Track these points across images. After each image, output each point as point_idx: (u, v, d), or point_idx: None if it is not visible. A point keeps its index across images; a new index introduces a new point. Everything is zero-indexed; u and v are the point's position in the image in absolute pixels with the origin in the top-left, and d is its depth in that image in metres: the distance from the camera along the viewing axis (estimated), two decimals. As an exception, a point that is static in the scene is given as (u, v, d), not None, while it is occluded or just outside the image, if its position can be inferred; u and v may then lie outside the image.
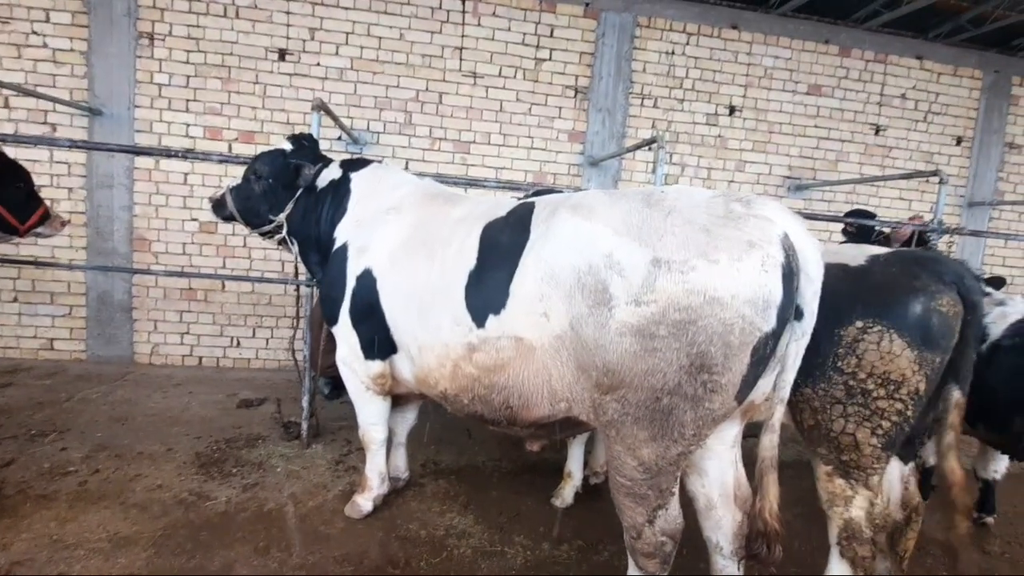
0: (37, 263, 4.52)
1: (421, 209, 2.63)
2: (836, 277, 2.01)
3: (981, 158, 6.72)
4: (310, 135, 3.24)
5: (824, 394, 2.04)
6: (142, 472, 3.27)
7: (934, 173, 4.42)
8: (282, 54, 5.30)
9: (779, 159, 6.35)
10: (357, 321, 2.67)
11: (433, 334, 2.28)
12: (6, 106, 5.05)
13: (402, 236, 2.55)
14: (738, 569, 2.07)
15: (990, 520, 3.36)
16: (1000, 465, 3.30)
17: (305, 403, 3.78)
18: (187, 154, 3.82)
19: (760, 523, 1.80)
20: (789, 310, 1.68)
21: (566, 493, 3.27)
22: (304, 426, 3.80)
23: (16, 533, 2.61)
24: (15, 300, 5.24)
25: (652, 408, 1.71)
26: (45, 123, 5.08)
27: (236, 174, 5.30)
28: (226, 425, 4.06)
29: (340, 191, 2.91)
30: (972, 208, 6.77)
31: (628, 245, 1.72)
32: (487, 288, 2.07)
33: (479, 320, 2.09)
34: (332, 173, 2.99)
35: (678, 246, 1.65)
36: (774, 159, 6.34)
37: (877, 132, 6.52)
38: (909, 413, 1.97)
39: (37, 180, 4.99)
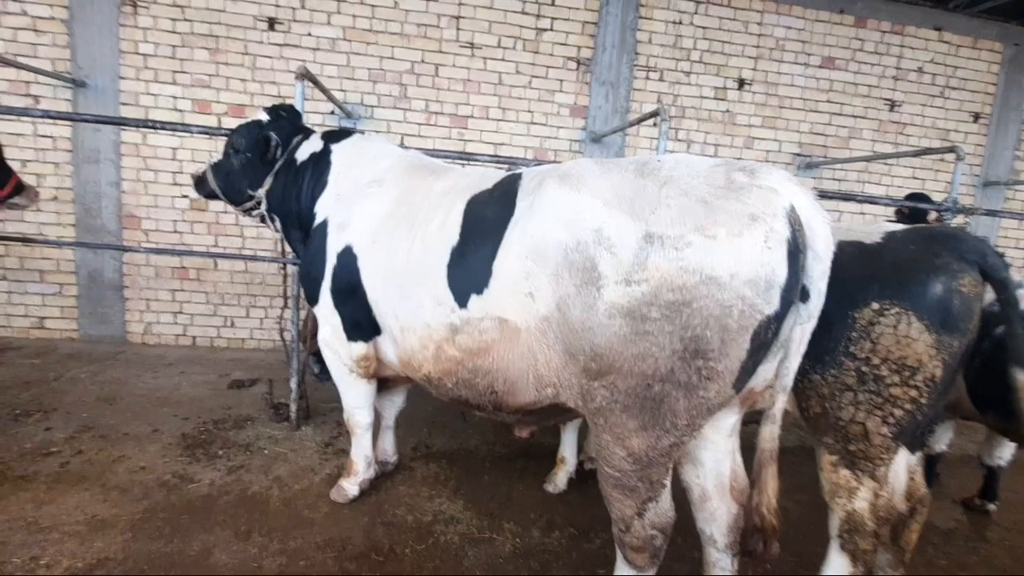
0: (25, 240, 4.45)
1: (404, 182, 2.49)
2: (850, 255, 1.86)
3: (998, 135, 6.46)
4: (290, 106, 3.08)
5: (834, 380, 1.91)
6: (126, 453, 3.20)
7: (951, 150, 4.21)
8: (271, 23, 5.09)
9: (789, 135, 6.12)
10: (339, 301, 2.55)
11: (415, 315, 2.17)
12: (-12, 77, 4.90)
13: (384, 210, 2.41)
14: (732, 564, 1.97)
15: (992, 507, 3.27)
16: (1006, 452, 3.19)
17: (294, 384, 3.69)
18: (163, 125, 3.64)
19: (757, 518, 1.69)
20: (794, 291, 1.54)
21: (559, 479, 3.18)
22: (293, 408, 3.71)
23: (-8, 515, 2.55)
24: (3, 278, 5.15)
25: (643, 396, 1.59)
26: (27, 95, 4.92)
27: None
28: (215, 406, 3.98)
29: (320, 164, 2.76)
30: (987, 188, 6.53)
31: (618, 219, 1.57)
32: (470, 266, 1.94)
33: (461, 300, 1.96)
34: (313, 145, 2.84)
35: (672, 220, 1.51)
36: (784, 135, 6.11)
37: (892, 108, 6.27)
38: (923, 401, 1.84)
39: (20, 154, 4.93)
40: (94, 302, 5.25)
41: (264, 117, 2.91)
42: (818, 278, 1.56)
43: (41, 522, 2.52)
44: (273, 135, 2.77)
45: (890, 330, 1.84)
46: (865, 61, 6.13)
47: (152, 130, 4.96)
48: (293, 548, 2.50)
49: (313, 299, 2.65)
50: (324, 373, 4.68)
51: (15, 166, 3.13)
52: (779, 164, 6.13)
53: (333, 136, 2.86)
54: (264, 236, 5.41)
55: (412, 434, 3.70)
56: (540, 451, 3.63)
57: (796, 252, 1.50)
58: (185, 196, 5.24)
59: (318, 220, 2.65)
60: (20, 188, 3.10)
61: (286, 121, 2.93)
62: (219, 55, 5.07)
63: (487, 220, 1.95)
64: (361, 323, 2.53)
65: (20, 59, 4.49)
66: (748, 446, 2.02)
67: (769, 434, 1.69)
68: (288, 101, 5.18)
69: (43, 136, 4.98)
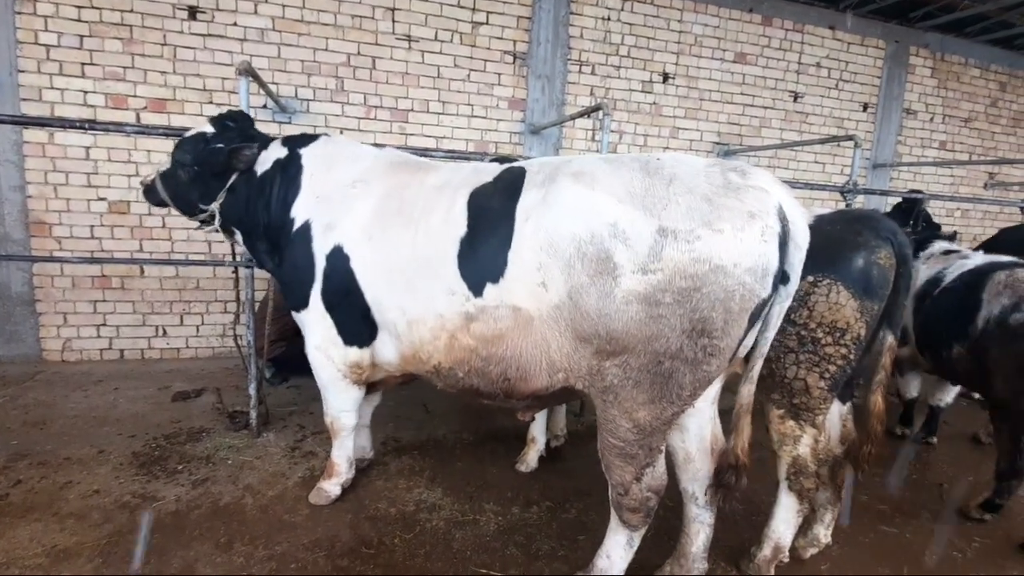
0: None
1: (391, 178, 2.49)
2: None
3: (884, 123, 7.32)
4: (240, 113, 2.92)
5: (779, 345, 2.18)
6: (73, 479, 2.99)
7: (849, 138, 4.75)
8: (192, 12, 4.78)
9: (709, 126, 6.60)
10: (332, 304, 2.52)
11: (426, 306, 2.20)
12: None
13: (374, 208, 2.41)
14: (711, 517, 2.22)
15: (934, 440, 3.95)
16: (947, 395, 3.86)
17: (252, 390, 3.58)
18: (86, 124, 3.37)
19: (732, 457, 1.97)
20: (779, 276, 1.78)
21: (530, 458, 3.34)
22: (253, 415, 3.60)
23: (-67, 558, 2.33)
24: None
25: (653, 372, 1.77)
26: (-98, 90, 4.33)
27: (147, 147, 4.86)
28: (162, 420, 3.78)
29: (290, 170, 2.68)
30: (876, 169, 7.40)
31: (633, 214, 1.73)
32: (482, 256, 2.02)
33: (476, 289, 2.04)
34: (275, 153, 2.75)
35: (683, 215, 1.69)
36: (705, 126, 6.58)
37: (795, 99, 6.92)
38: (852, 357, 2.16)
39: (-100, 158, 4.33)
40: (1, 320, 4.74)
41: (209, 129, 2.76)
42: (797, 264, 1.81)
43: (-7, 559, 2.34)
44: (236, 145, 2.67)
45: (823, 299, 2.15)
46: (772, 56, 6.72)
47: (61, 128, 4.53)
48: (280, 552, 2.48)
49: (302, 304, 2.59)
50: (275, 377, 4.58)
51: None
52: (701, 152, 6.61)
53: (298, 141, 2.78)
54: (195, 239, 5.12)
55: (379, 429, 3.70)
56: (505, 435, 3.78)
57: (784, 244, 1.74)
58: (102, 199, 4.84)
59: (298, 224, 2.58)
60: None
61: (234, 132, 2.78)
62: (134, 46, 4.70)
63: (495, 212, 2.02)
64: (358, 326, 2.51)
65: None
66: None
67: (747, 391, 1.97)
68: (215, 94, 4.97)
69: (-74, 137, 4.41)
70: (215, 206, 2.75)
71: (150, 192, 2.91)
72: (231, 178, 2.72)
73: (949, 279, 3.21)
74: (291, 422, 3.86)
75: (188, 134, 2.83)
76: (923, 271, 3.43)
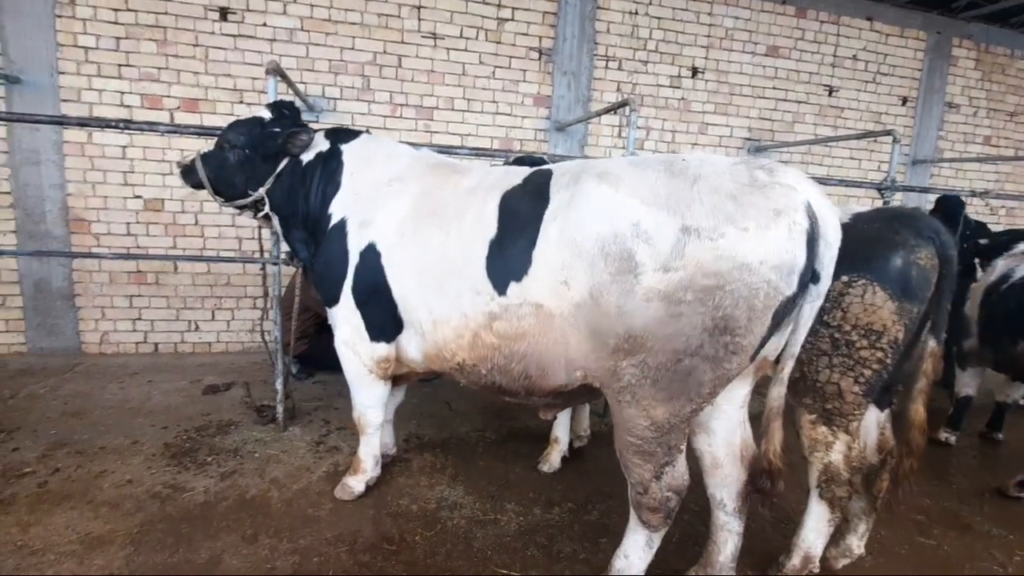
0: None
1: (427, 180, 2.51)
2: None
3: (924, 117, 7.03)
4: (290, 103, 2.96)
5: (811, 347, 2.10)
6: (107, 468, 3.09)
7: (888, 133, 4.57)
8: (223, 13, 4.88)
9: (740, 121, 6.44)
10: (361, 300, 2.55)
11: (451, 305, 2.22)
12: (-97, 73, 4.47)
13: (409, 208, 2.44)
14: (739, 526, 2.16)
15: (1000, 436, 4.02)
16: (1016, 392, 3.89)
17: (279, 385, 3.64)
18: (121, 124, 3.47)
19: (765, 461, 1.92)
20: (808, 274, 1.72)
21: (553, 458, 3.31)
22: (279, 409, 3.66)
23: (-26, 542, 2.42)
24: (-63, 291, 4.76)
25: (672, 370, 1.75)
26: (-48, 92, 4.53)
27: (181, 146, 4.98)
28: (194, 413, 3.87)
29: (331, 164, 2.72)
30: (915, 166, 7.12)
31: (656, 214, 1.71)
32: (508, 256, 2.03)
33: (500, 288, 2.05)
34: (318, 145, 2.78)
35: (706, 213, 1.66)
36: (735, 121, 6.42)
37: (830, 93, 6.70)
38: (888, 361, 2.06)
39: (-51, 157, 4.53)
40: (43, 313, 4.93)
41: (266, 114, 2.81)
42: (828, 263, 1.75)
43: (31, 545, 2.42)
44: (296, 128, 2.71)
45: (858, 300, 2.06)
46: (806, 49, 6.51)
47: (99, 128, 4.67)
48: (304, 546, 2.51)
49: (333, 300, 2.63)
50: (301, 372, 4.65)
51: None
52: (731, 148, 6.46)
53: (340, 136, 2.82)
54: (226, 236, 5.24)
55: (402, 426, 3.73)
56: (528, 434, 3.76)
57: (813, 241, 1.69)
58: (138, 197, 4.99)
59: (334, 220, 2.62)
60: None
61: (288, 119, 2.83)
62: (168, 47, 4.82)
63: (523, 213, 2.04)
64: (385, 322, 2.54)
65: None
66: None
67: (777, 393, 1.91)
68: (245, 94, 5.06)
69: (-27, 137, 4.60)
70: (262, 191, 2.77)
71: (188, 173, 2.90)
72: (282, 163, 2.75)
73: (1018, 275, 3.32)
74: (316, 417, 3.92)
75: (243, 117, 2.87)
76: (999, 266, 3.58)
